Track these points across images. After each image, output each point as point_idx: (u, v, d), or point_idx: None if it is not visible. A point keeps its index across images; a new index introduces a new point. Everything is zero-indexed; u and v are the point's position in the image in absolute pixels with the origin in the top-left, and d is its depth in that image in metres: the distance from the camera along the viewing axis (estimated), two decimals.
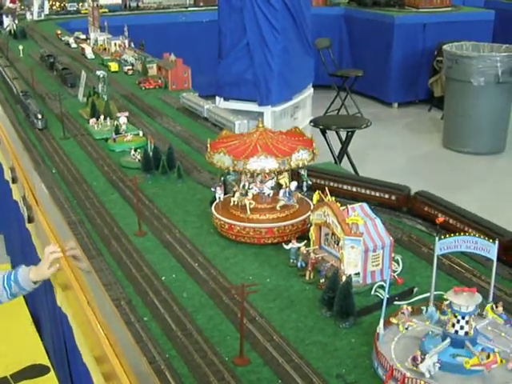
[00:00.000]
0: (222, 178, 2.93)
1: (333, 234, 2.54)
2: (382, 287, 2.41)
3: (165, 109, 4.95)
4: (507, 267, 2.53)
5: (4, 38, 8.01)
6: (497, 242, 2.03)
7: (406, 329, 2.05)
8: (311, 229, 2.65)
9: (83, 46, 7.23)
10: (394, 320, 2.02)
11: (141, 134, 4.14)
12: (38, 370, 3.62)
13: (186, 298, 2.44)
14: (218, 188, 2.90)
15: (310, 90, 8.10)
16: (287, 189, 2.84)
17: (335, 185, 3.13)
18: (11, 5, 9.89)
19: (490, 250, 2.05)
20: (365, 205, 2.57)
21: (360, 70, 9.64)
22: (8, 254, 5.31)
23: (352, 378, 1.98)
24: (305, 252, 2.59)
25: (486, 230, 2.58)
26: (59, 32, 8.40)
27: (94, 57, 6.89)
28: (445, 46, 8.50)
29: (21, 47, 7.22)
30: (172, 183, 3.51)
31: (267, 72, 7.07)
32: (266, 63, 7.04)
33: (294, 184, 2.85)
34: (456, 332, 1.92)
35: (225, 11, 7.19)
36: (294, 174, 2.97)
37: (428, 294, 2.19)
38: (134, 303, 2.40)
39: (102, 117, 4.42)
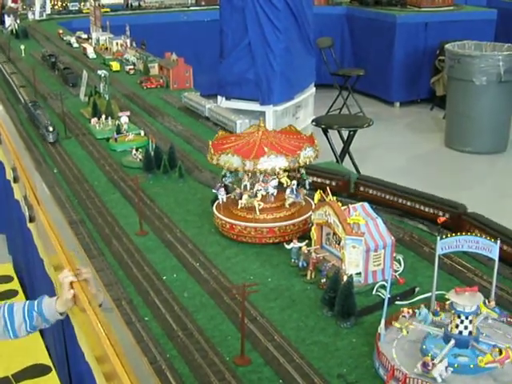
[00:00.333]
0: (224, 179, 2.91)
1: (334, 233, 2.53)
2: (383, 287, 2.40)
3: (166, 108, 4.95)
4: (509, 267, 2.53)
5: (6, 38, 8.01)
6: (498, 241, 2.03)
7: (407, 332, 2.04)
8: (312, 228, 2.65)
9: (85, 45, 7.23)
10: (397, 324, 2.00)
11: (142, 133, 4.14)
12: (39, 370, 3.62)
13: (186, 297, 2.44)
14: (220, 189, 2.88)
15: (311, 90, 8.09)
16: (294, 186, 2.84)
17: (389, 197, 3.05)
18: (13, 4, 9.89)
19: (491, 249, 2.04)
20: (366, 204, 2.57)
21: (362, 70, 9.63)
22: (10, 254, 5.31)
23: (353, 378, 1.98)
24: (306, 252, 2.58)
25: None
26: (61, 31, 8.40)
27: (95, 56, 6.89)
28: (447, 45, 8.48)
29: (22, 47, 7.22)
30: (173, 183, 3.51)
31: (269, 71, 7.06)
32: (268, 63, 7.03)
33: (295, 183, 2.85)
34: (460, 333, 1.91)
35: (226, 11, 7.18)
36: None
37: (429, 294, 2.19)
38: (134, 303, 2.40)
39: (103, 116, 4.42)
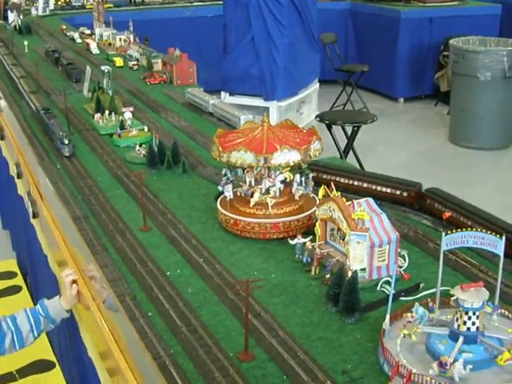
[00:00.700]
0: (237, 173, 2.89)
1: (338, 229, 2.52)
2: (387, 283, 2.39)
3: (170, 104, 4.94)
4: None
5: (9, 34, 8.01)
6: (504, 237, 2.02)
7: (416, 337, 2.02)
8: (317, 224, 2.64)
9: (88, 41, 7.22)
10: (404, 331, 1.97)
11: (146, 129, 4.14)
12: (43, 366, 3.61)
13: (190, 293, 2.43)
14: (227, 186, 2.86)
15: (315, 85, 8.09)
16: (302, 178, 2.84)
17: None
18: (16, 0, 9.88)
19: (497, 245, 2.03)
20: (371, 200, 2.56)
21: (366, 65, 9.60)
22: (14, 250, 5.31)
23: (357, 374, 1.97)
24: (310, 247, 2.58)
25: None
26: (64, 27, 8.39)
27: (98, 52, 6.88)
28: (451, 41, 8.45)
29: (26, 42, 7.22)
30: (177, 178, 3.50)
31: (273, 67, 7.05)
32: (272, 58, 7.03)
33: (298, 176, 2.84)
34: (468, 329, 1.90)
35: (230, 6, 7.18)
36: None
37: (434, 290, 2.18)
38: (138, 299, 2.40)
39: (106, 112, 4.41)
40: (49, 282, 3.35)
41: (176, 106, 4.87)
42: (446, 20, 9.70)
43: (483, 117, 8.13)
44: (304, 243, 2.61)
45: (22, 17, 8.79)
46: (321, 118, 6.86)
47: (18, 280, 4.64)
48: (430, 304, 2.10)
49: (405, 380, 1.85)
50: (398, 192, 2.99)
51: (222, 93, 7.31)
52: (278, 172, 2.79)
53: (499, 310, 2.11)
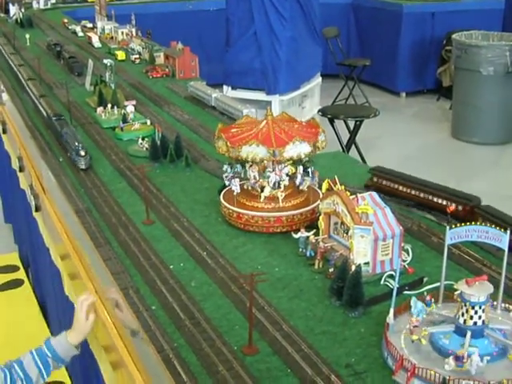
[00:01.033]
0: (236, 169, 2.88)
1: (342, 223, 2.52)
2: (391, 277, 2.39)
3: (172, 97, 4.93)
4: None
5: (11, 27, 7.99)
6: (508, 231, 2.01)
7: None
8: (320, 218, 2.63)
9: (90, 34, 7.20)
10: (414, 337, 1.94)
11: (148, 122, 4.13)
12: None
13: (194, 286, 2.43)
14: (234, 180, 2.83)
15: (318, 79, 8.07)
16: (309, 169, 2.84)
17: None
18: None
19: (501, 239, 2.03)
20: (374, 193, 2.56)
21: (368, 60, 9.58)
22: (16, 243, 5.32)
23: (361, 367, 1.97)
24: (314, 241, 2.57)
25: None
26: (66, 21, 8.37)
27: (100, 45, 6.86)
28: (454, 35, 8.43)
29: (27, 36, 7.20)
30: (180, 172, 3.50)
31: (275, 61, 7.04)
32: (274, 52, 7.01)
33: (301, 168, 2.84)
34: (475, 323, 1.90)
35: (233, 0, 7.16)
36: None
37: (438, 284, 2.17)
38: (141, 292, 2.40)
39: (109, 105, 4.40)
40: (50, 276, 3.35)
41: (178, 100, 4.86)
42: (448, 14, 9.68)
43: (485, 111, 8.12)
44: (307, 237, 2.60)
45: (23, 10, 8.78)
46: (323, 112, 6.85)
47: (20, 274, 4.65)
48: (428, 298, 2.10)
49: (409, 374, 1.85)
50: (452, 205, 2.69)
51: (224, 87, 7.29)
52: (282, 165, 2.78)
53: (503, 304, 2.11)
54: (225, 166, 2.89)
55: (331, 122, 6.77)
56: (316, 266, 2.51)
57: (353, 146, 7.04)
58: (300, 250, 2.62)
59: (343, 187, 2.52)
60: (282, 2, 6.94)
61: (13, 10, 8.73)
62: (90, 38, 7.09)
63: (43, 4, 9.74)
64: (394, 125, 8.77)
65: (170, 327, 2.19)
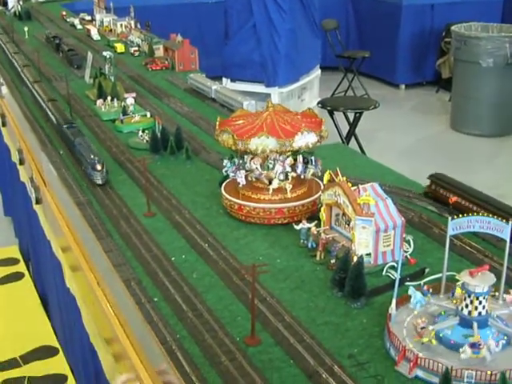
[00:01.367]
0: (241, 161, 2.87)
1: (344, 214, 2.52)
2: (393, 268, 2.39)
3: (172, 90, 4.92)
4: None
5: (9, 20, 7.96)
6: (510, 222, 2.01)
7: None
8: (322, 209, 2.63)
9: (89, 27, 7.17)
10: (424, 340, 1.93)
11: (148, 115, 4.12)
12: (47, 352, 3.63)
13: (196, 278, 2.43)
14: (239, 172, 2.81)
15: (317, 72, 8.06)
16: (312, 158, 2.84)
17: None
18: None
19: (503, 230, 2.03)
20: (376, 185, 2.55)
21: (367, 52, 9.57)
22: (16, 236, 5.31)
23: (364, 358, 1.97)
24: (315, 232, 2.57)
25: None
26: (64, 13, 8.34)
27: (99, 38, 6.84)
28: (453, 27, 8.42)
29: (26, 29, 7.18)
30: (180, 164, 3.49)
31: (274, 53, 7.02)
32: (273, 44, 7.00)
33: (301, 157, 2.84)
34: (480, 313, 1.90)
35: None
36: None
37: (440, 275, 2.18)
38: (144, 284, 2.40)
39: (109, 98, 4.39)
40: (51, 268, 3.35)
41: (178, 92, 4.86)
42: (447, 6, 9.66)
43: (485, 103, 8.11)
44: (309, 228, 2.60)
45: (21, 3, 8.74)
46: (323, 104, 6.85)
47: (21, 266, 4.64)
48: (425, 288, 2.10)
49: (411, 364, 1.85)
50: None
51: (224, 79, 7.28)
52: (285, 156, 2.78)
53: (505, 295, 2.12)
54: (225, 161, 2.88)
55: (331, 114, 6.77)
56: (318, 258, 2.51)
57: (352, 138, 7.04)
58: (301, 241, 2.62)
59: (345, 178, 2.52)
60: None
61: (11, 2, 8.70)
62: (88, 30, 7.07)
63: None
64: (393, 117, 8.77)
65: (172, 319, 2.19)
